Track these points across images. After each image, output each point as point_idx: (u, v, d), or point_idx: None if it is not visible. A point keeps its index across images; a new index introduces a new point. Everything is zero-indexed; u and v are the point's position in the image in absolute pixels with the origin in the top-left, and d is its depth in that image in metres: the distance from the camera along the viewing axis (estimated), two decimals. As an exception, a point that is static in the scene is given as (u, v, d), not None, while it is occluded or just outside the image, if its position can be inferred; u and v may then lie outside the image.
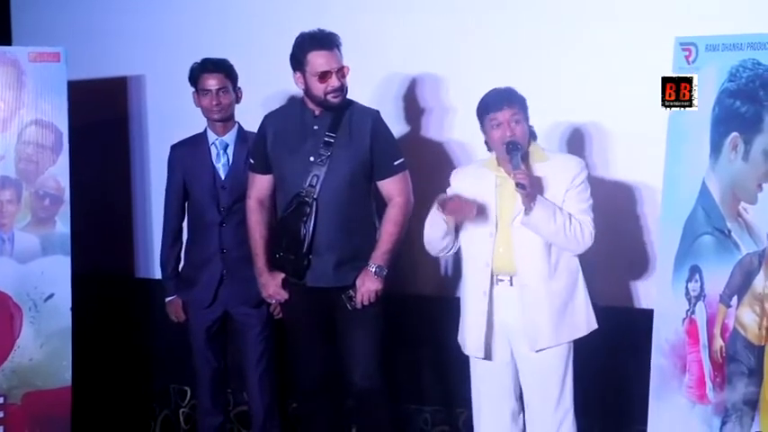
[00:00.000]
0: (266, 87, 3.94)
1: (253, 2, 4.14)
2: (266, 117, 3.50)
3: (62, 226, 3.83)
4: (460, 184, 3.22)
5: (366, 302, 3.34)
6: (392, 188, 3.37)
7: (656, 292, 3.29)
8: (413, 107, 3.90)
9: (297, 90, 3.45)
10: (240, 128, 3.73)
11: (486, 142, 3.17)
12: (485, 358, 3.18)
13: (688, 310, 3.13)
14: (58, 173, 3.82)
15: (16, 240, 3.81)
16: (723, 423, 3.04)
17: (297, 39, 3.31)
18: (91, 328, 4.06)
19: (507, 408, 3.23)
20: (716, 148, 3.04)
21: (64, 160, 3.82)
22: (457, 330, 3.29)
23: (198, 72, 3.65)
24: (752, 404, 2.97)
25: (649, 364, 3.24)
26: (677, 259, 3.15)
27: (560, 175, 3.11)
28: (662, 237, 3.26)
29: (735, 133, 2.99)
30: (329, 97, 3.29)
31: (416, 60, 3.86)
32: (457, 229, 3.19)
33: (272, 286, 3.47)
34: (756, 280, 2.94)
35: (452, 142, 3.84)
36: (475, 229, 3.15)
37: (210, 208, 3.69)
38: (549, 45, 3.64)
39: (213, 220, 3.69)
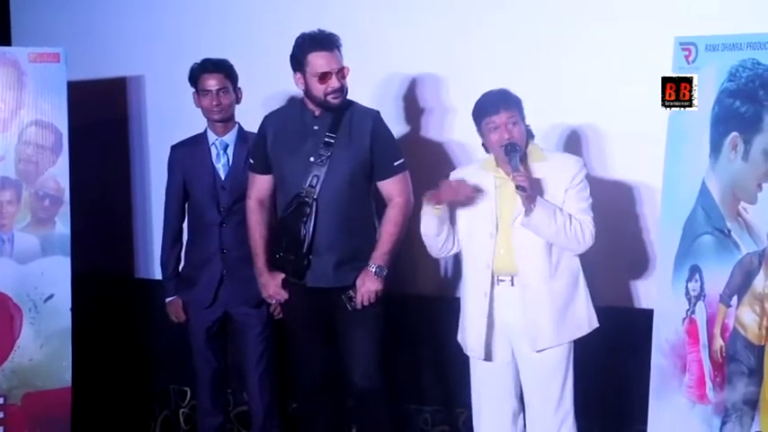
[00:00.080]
0: (266, 87, 3.93)
1: (253, 2, 4.13)
2: (266, 117, 3.50)
3: (62, 226, 3.83)
4: (460, 184, 3.22)
5: (366, 303, 3.34)
6: (392, 188, 3.38)
7: (656, 292, 3.29)
8: (413, 107, 3.90)
9: (297, 90, 3.44)
10: (240, 128, 3.73)
11: (483, 144, 3.17)
12: (485, 359, 3.18)
13: (688, 310, 3.13)
14: (58, 173, 3.82)
15: (16, 241, 3.80)
16: (723, 423, 3.04)
17: (297, 39, 3.31)
18: (91, 328, 4.06)
19: (507, 408, 3.23)
20: (716, 148, 3.04)
21: (64, 161, 3.82)
22: (457, 330, 3.29)
23: (198, 72, 3.65)
24: (752, 404, 2.97)
25: (649, 364, 3.24)
26: (677, 259, 3.15)
27: (559, 174, 3.10)
28: (662, 237, 3.26)
29: (734, 133, 2.99)
30: (329, 98, 3.28)
31: (416, 60, 3.85)
32: (452, 221, 3.18)
33: (272, 286, 3.47)
34: (756, 280, 2.94)
35: (452, 142, 3.84)
36: (475, 229, 3.15)
37: (210, 208, 3.69)
38: (549, 45, 3.64)
39: (213, 220, 3.69)
